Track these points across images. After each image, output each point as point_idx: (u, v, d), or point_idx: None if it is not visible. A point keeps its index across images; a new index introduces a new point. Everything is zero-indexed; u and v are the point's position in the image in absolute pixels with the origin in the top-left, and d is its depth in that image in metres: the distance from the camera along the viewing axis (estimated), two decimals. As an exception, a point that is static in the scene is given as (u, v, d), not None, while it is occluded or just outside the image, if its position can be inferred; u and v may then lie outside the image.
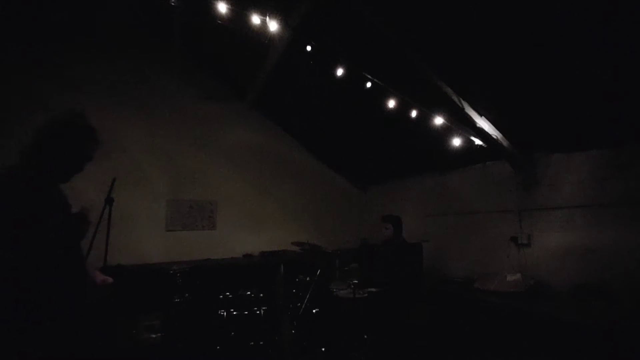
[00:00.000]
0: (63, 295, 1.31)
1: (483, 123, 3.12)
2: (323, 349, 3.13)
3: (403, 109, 3.30)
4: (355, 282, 3.12)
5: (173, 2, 3.01)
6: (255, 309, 3.54)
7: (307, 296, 3.24)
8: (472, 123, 3.10)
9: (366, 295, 3.18)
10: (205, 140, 5.03)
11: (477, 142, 3.42)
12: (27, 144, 1.37)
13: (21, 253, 1.21)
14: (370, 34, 2.82)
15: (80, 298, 1.39)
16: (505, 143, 3.31)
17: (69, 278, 1.35)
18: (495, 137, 3.22)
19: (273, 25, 2.74)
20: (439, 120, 3.30)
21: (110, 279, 1.66)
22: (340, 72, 3.15)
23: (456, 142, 3.47)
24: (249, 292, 3.69)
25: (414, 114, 3.33)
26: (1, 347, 1.16)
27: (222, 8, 2.65)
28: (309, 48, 3.04)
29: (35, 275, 1.24)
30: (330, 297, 3.39)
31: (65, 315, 1.30)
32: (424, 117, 3.33)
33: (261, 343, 3.37)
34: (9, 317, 1.18)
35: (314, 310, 3.34)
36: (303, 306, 3.22)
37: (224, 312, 3.43)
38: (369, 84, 3.20)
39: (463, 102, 2.99)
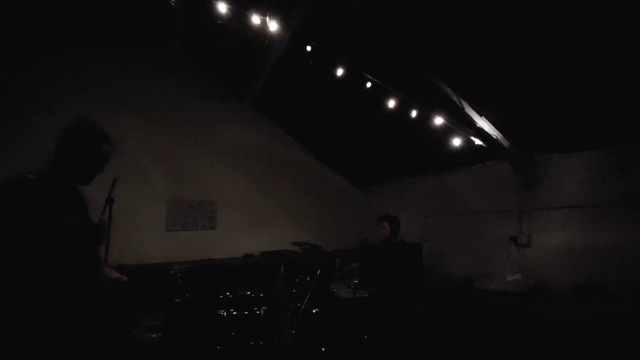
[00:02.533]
0: (78, 297, 1.35)
1: (483, 123, 3.12)
2: (323, 349, 3.13)
3: (403, 109, 3.30)
4: (355, 282, 3.12)
5: (173, 2, 3.01)
6: (255, 309, 3.53)
7: (307, 296, 3.24)
8: (472, 123, 3.10)
9: (366, 295, 3.19)
10: (205, 140, 5.03)
11: (477, 142, 3.42)
12: (52, 151, 1.47)
13: (39, 255, 1.26)
14: (370, 34, 2.82)
15: (95, 300, 1.43)
16: (505, 143, 3.31)
17: (85, 281, 1.39)
18: (495, 137, 3.22)
19: (273, 25, 2.74)
20: (439, 120, 3.30)
21: (124, 277, 1.69)
22: (340, 72, 3.15)
23: (456, 142, 3.47)
24: (249, 292, 3.69)
25: (414, 114, 3.33)
26: (11, 348, 1.18)
27: (222, 8, 2.65)
28: (309, 48, 3.04)
29: (50, 277, 1.27)
30: (330, 297, 3.39)
31: (80, 316, 1.34)
32: (424, 117, 3.33)
33: (261, 343, 3.37)
34: (22, 317, 1.20)
35: (314, 310, 3.34)
36: (303, 306, 3.22)
37: (224, 312, 3.43)
38: (369, 84, 3.21)
39: (463, 102, 2.99)
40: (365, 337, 3.15)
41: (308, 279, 3.55)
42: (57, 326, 1.26)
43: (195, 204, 4.86)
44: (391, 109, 3.29)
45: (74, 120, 1.52)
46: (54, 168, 1.45)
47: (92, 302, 1.39)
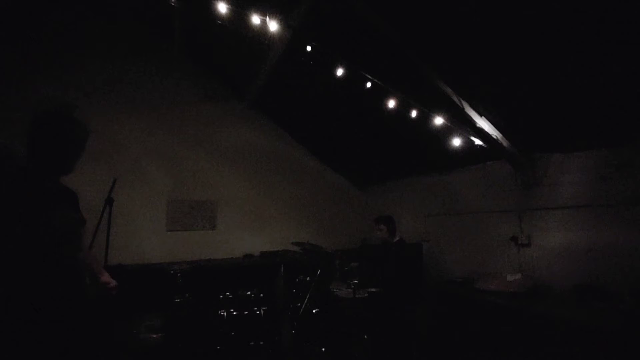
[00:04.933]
0: (59, 293, 1.31)
1: (483, 123, 3.12)
2: (323, 349, 3.13)
3: (403, 109, 3.30)
4: (355, 282, 3.12)
5: (173, 2, 3.01)
6: (255, 309, 3.54)
7: (307, 296, 3.24)
8: (472, 123, 3.10)
9: (366, 295, 3.19)
10: (205, 140, 5.03)
11: (477, 142, 3.42)
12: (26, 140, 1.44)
13: (19, 250, 1.23)
14: (371, 34, 2.82)
15: (77, 297, 1.39)
16: (505, 143, 3.31)
17: (66, 277, 1.35)
18: (495, 137, 3.22)
19: (273, 25, 2.74)
20: (439, 120, 3.29)
21: (113, 282, 1.66)
22: (340, 72, 3.15)
23: (456, 142, 3.47)
24: (249, 292, 3.70)
25: (414, 114, 3.33)
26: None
27: (222, 8, 2.65)
28: (309, 48, 3.04)
29: (31, 273, 1.24)
30: (330, 297, 3.39)
31: (62, 313, 1.31)
32: (424, 117, 3.33)
33: (261, 343, 3.37)
34: (7, 315, 1.18)
35: (314, 310, 3.34)
36: (303, 306, 3.22)
37: (224, 312, 3.44)
38: (369, 84, 3.20)
39: (463, 102, 2.99)
40: (365, 337, 3.15)
41: (308, 279, 3.55)
42: (39, 325, 1.24)
43: (195, 204, 4.86)
44: (391, 109, 3.29)
45: (42, 112, 1.50)
46: (36, 164, 1.42)
47: (72, 302, 1.36)
